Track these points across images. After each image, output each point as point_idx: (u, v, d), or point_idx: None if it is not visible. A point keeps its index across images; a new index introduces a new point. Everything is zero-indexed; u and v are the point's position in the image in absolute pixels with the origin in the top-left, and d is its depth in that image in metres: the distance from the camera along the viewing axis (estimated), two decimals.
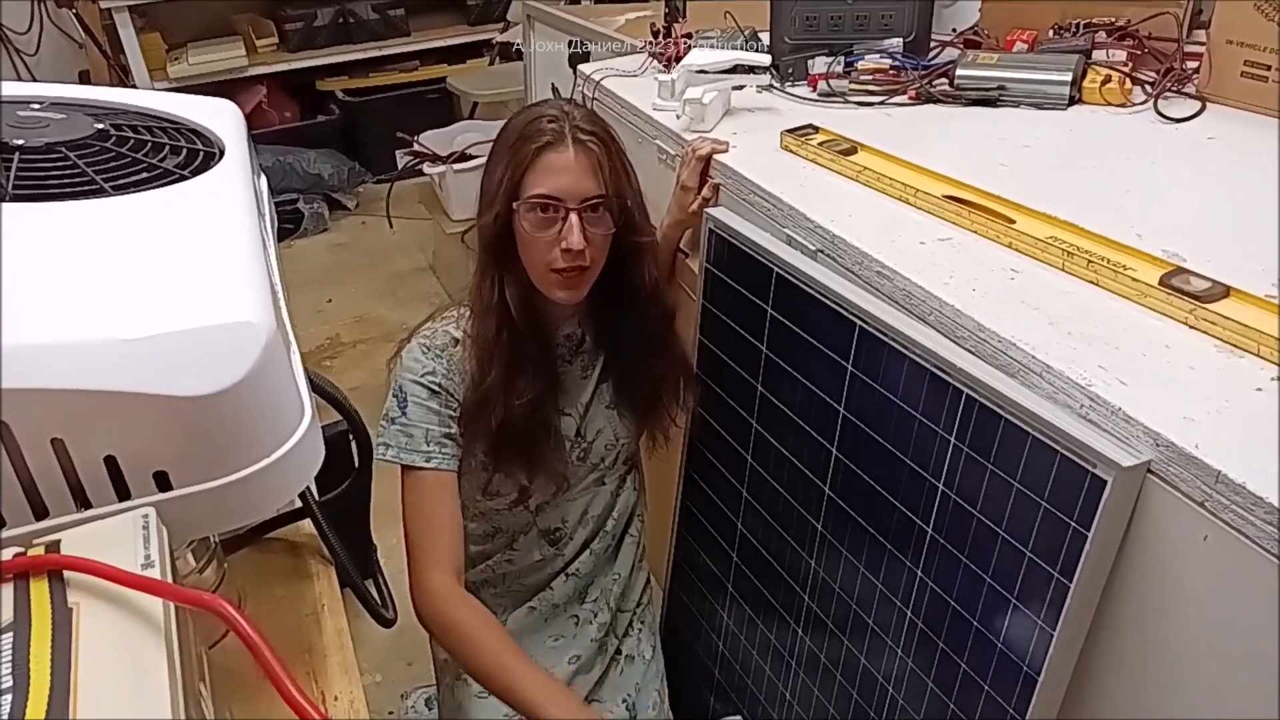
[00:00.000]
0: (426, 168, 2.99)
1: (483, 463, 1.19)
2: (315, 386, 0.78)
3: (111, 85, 2.27)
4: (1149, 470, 0.72)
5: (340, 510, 0.86)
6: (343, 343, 3.02)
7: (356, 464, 0.89)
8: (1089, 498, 0.74)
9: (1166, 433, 0.70)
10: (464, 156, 2.90)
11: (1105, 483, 0.72)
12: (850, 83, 1.46)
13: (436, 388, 1.14)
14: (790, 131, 1.29)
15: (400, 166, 3.13)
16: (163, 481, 0.58)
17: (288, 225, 3.61)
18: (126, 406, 0.55)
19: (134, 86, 3.37)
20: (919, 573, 0.94)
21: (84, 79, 3.67)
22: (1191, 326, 0.83)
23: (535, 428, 1.15)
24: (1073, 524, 0.75)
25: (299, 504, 0.83)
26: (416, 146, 3.03)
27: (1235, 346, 0.80)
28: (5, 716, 0.42)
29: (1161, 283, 0.86)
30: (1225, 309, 0.82)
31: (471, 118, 3.63)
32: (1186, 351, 0.80)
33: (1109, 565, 0.76)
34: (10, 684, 0.43)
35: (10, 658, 0.44)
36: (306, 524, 0.86)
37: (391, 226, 3.24)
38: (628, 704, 1.36)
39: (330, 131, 3.91)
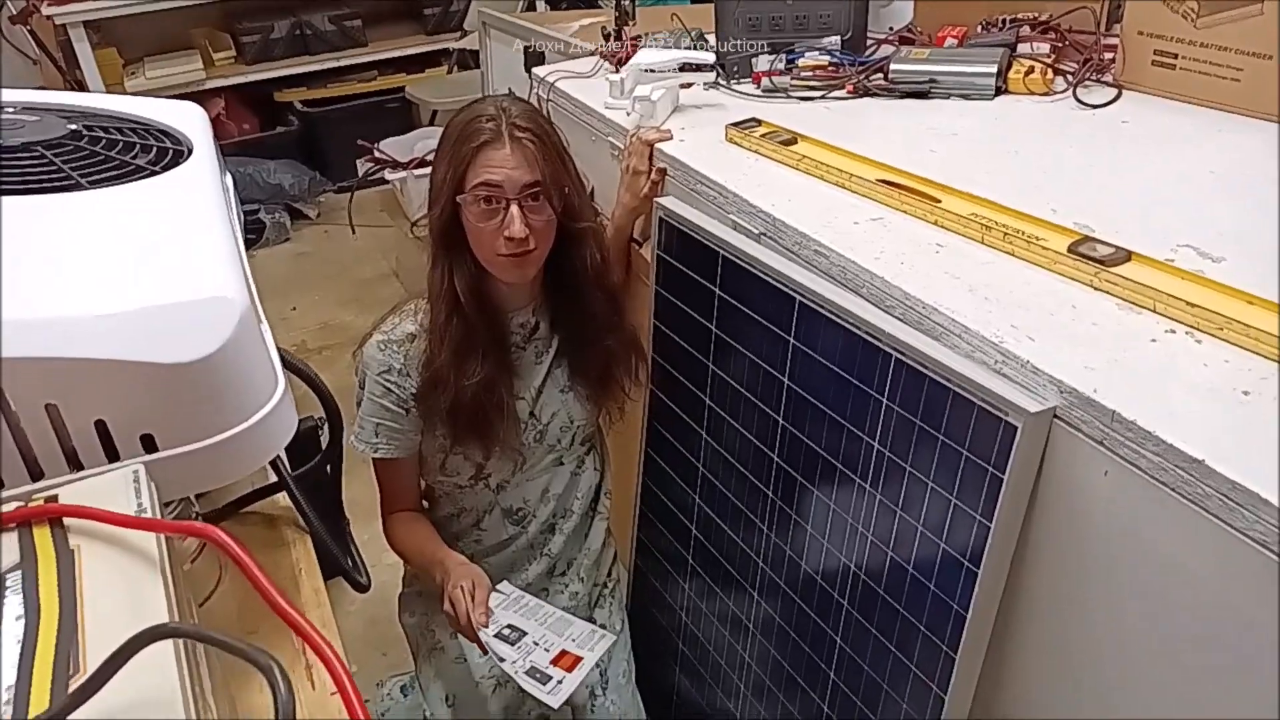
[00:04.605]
0: (388, 174, 3.04)
1: (442, 443, 1.27)
2: (287, 363, 0.83)
3: None
4: (1055, 415, 0.79)
5: (313, 484, 0.91)
6: (308, 349, 3.05)
7: (328, 438, 0.94)
8: (1003, 443, 0.81)
9: (1069, 380, 0.78)
10: (424, 163, 2.95)
11: (1016, 428, 0.79)
12: (792, 79, 1.54)
13: (391, 385, 1.24)
14: (735, 125, 1.36)
15: (361, 174, 3.16)
16: (149, 444, 0.63)
17: (250, 235, 3.63)
18: (115, 373, 0.60)
19: None
20: (860, 528, 1.01)
21: None
22: (1096, 288, 0.90)
23: (489, 407, 1.23)
24: (990, 469, 0.82)
25: (274, 478, 0.87)
26: (377, 154, 3.07)
27: (1135, 304, 0.87)
28: (21, 638, 0.47)
29: (1070, 250, 0.94)
30: (1127, 271, 0.90)
31: (431, 125, 3.68)
32: (1090, 310, 0.87)
33: (1024, 505, 0.83)
34: (22, 611, 0.48)
35: (21, 590, 0.49)
36: (282, 498, 0.91)
37: (354, 233, 3.27)
38: (600, 669, 1.42)
39: (290, 142, 3.94)
